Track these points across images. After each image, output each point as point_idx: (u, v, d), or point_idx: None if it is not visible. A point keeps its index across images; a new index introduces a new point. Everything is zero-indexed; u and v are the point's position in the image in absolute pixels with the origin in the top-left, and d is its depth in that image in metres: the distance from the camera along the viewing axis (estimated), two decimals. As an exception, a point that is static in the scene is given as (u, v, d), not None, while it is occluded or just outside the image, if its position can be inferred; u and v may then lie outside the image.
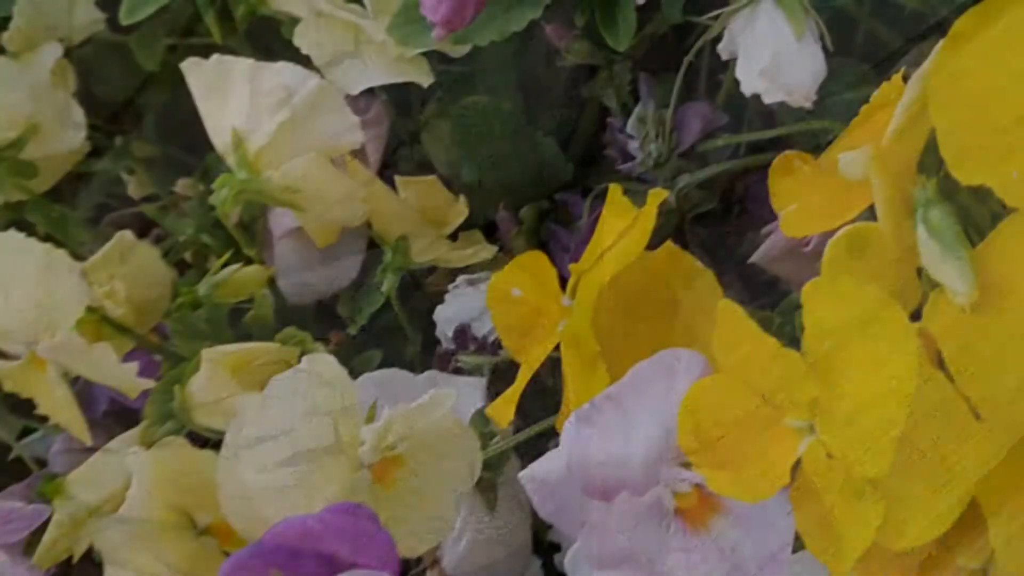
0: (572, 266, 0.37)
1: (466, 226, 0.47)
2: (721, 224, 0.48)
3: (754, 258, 0.42)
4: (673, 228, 0.44)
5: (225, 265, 0.43)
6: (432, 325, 0.46)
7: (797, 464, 0.31)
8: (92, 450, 0.43)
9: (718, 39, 0.41)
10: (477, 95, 0.47)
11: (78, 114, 0.46)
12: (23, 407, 0.46)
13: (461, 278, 0.46)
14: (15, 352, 0.41)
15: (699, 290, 0.36)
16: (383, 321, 0.47)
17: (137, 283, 0.44)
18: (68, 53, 0.47)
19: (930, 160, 0.32)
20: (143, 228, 0.52)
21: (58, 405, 0.41)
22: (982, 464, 0.30)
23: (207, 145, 0.43)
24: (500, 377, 0.44)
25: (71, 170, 0.48)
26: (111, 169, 0.53)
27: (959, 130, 0.30)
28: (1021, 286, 0.30)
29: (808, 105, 0.39)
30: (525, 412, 0.39)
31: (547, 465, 0.34)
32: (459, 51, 0.45)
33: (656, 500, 0.32)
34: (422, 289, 0.49)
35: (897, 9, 0.43)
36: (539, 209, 0.47)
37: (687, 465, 0.32)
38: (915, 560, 0.31)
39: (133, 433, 0.43)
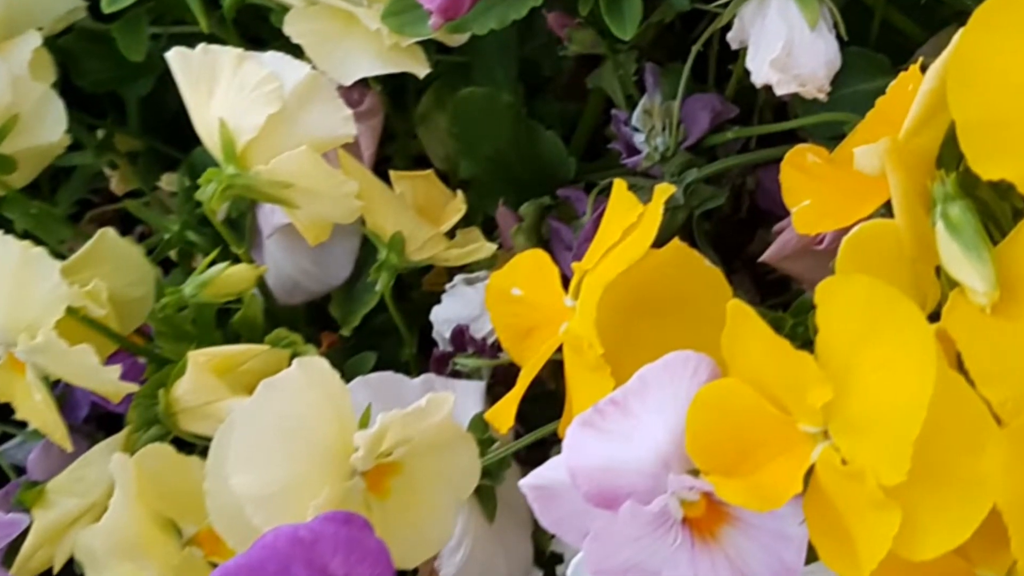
0: (575, 264, 0.36)
1: (464, 223, 0.46)
2: (730, 221, 0.47)
3: (765, 256, 0.41)
4: (680, 225, 0.43)
5: (212, 264, 0.42)
6: (428, 326, 0.46)
7: (810, 471, 0.30)
8: (73, 457, 0.43)
9: (727, 27, 0.41)
10: (476, 86, 0.46)
11: (58, 106, 0.46)
12: (1, 412, 0.45)
13: (459, 277, 0.46)
14: (-7, 354, 0.41)
15: (708, 290, 0.35)
16: (377, 322, 0.47)
17: (120, 282, 0.44)
18: (48, 43, 0.47)
19: (949, 154, 0.32)
20: (126, 225, 0.52)
21: (37, 410, 0.41)
22: (1003, 471, 0.29)
23: (193, 138, 0.43)
24: (500, 380, 0.44)
25: (51, 164, 0.48)
26: (93, 163, 0.52)
27: (979, 122, 0.30)
28: (1045, 285, 0.29)
29: (822, 97, 0.39)
30: (526, 417, 0.39)
31: (549, 472, 0.33)
32: (457, 40, 0.44)
33: (663, 509, 0.31)
34: (418, 289, 0.49)
35: (915, -3, 0.43)
36: (540, 205, 0.46)
37: (695, 472, 0.31)
38: (933, 571, 0.30)
39: (116, 439, 0.42)
